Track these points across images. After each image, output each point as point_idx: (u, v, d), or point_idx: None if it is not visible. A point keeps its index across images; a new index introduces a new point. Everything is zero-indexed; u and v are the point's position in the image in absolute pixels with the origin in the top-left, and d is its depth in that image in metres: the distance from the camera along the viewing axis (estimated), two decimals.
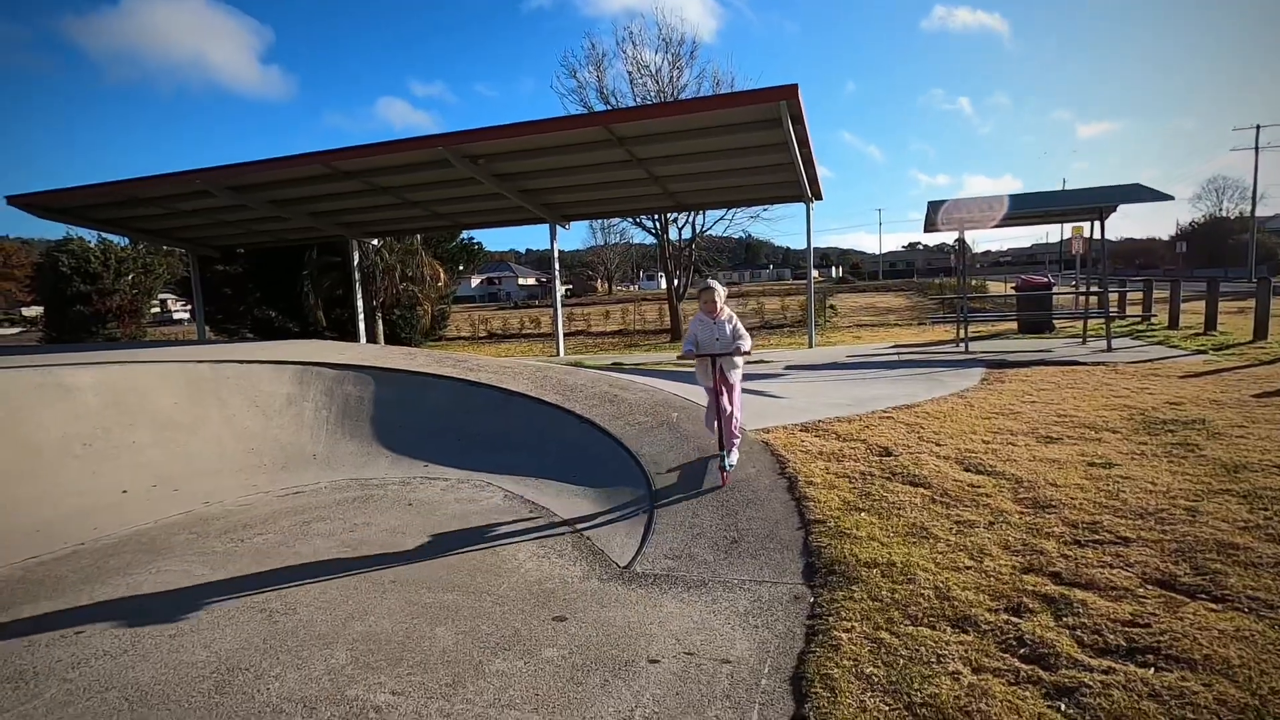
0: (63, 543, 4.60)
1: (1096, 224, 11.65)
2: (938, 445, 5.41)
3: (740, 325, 4.90)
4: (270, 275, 23.60)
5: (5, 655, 3.17)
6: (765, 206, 19.85)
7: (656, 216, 19.78)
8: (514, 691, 2.67)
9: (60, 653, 3.16)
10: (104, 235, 28.39)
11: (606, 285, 67.86)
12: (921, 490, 4.44)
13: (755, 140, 12.33)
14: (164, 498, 5.41)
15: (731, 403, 4.87)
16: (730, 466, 4.84)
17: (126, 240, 28.19)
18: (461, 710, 2.56)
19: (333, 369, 7.29)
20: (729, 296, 5.24)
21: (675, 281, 21.02)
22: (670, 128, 12.01)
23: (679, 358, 5.49)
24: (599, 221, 45.73)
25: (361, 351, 8.60)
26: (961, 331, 11.97)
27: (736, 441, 5.04)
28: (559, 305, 17.08)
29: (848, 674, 2.58)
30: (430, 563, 4.06)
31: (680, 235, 20.90)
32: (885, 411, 6.64)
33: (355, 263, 18.71)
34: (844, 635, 2.85)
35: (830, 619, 3.00)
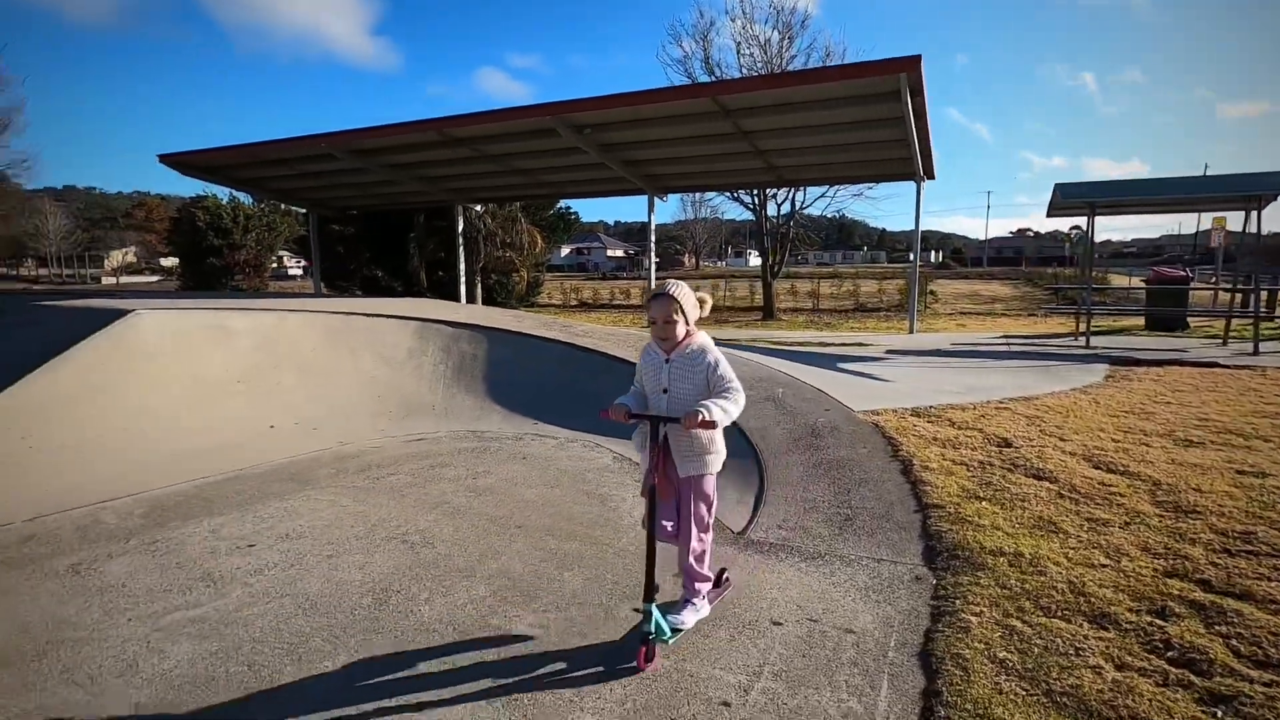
0: (226, 467, 5.14)
1: (1252, 214, 10.57)
2: (1062, 440, 5.16)
3: (726, 369, 2.66)
4: (379, 237, 24.92)
5: (194, 559, 3.62)
6: (870, 184, 19.11)
7: (755, 191, 19.43)
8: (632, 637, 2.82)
9: (239, 561, 3.58)
10: (234, 194, 30.79)
11: (694, 260, 67.51)
12: (1047, 484, 4.28)
13: (868, 114, 11.87)
14: (305, 435, 5.94)
15: (682, 528, 2.76)
16: (665, 635, 2.65)
17: (250, 200, 30.49)
18: (602, 647, 2.74)
19: (450, 327, 7.69)
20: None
21: (770, 259, 20.68)
22: (779, 100, 11.74)
23: (600, 414, 2.79)
24: (689, 195, 45.29)
25: (472, 312, 9.01)
26: (1082, 325, 11.22)
27: (694, 600, 2.85)
28: (653, 275, 17.19)
29: (980, 656, 2.57)
30: (551, 513, 4.28)
31: (779, 211, 20.50)
32: (1001, 402, 6.38)
33: (460, 228, 19.42)
34: (973, 619, 2.83)
35: (957, 602, 2.98)
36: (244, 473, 5.08)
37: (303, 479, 4.96)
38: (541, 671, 2.57)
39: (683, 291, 2.74)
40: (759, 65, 18.91)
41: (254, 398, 6.15)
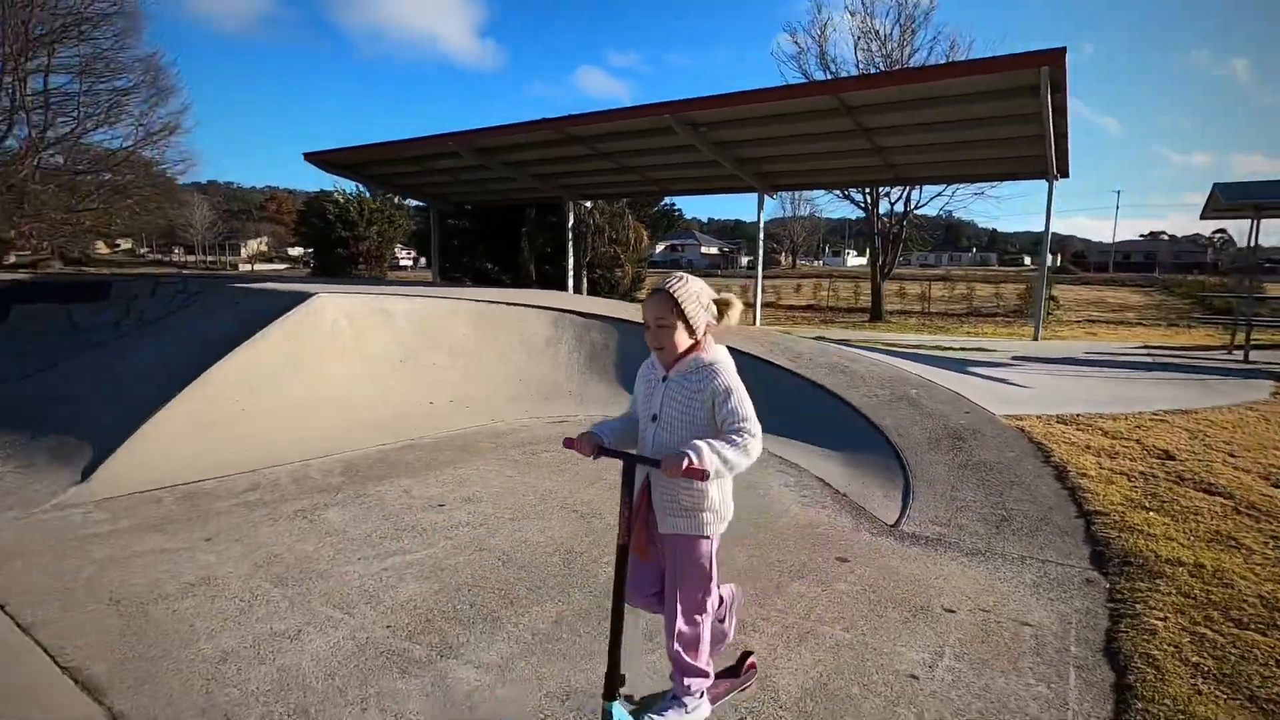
0: (399, 436, 5.71)
1: None
2: (1231, 455, 4.90)
3: (740, 400, 2.03)
4: (491, 231, 26.13)
5: (396, 513, 4.10)
6: (994, 183, 18.25)
7: (867, 189, 18.99)
8: (820, 610, 3.00)
9: (435, 517, 4.03)
10: (358, 190, 33.12)
11: (790, 259, 66.35)
12: (1220, 499, 4.10)
13: (1001, 110, 11.42)
14: (460, 412, 6.47)
15: (666, 603, 2.19)
16: None
17: (370, 194, 32.71)
18: (777, 617, 2.94)
19: (582, 317, 8.10)
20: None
21: (880, 259, 20.15)
22: (905, 96, 11.48)
23: (565, 443, 2.16)
24: (788, 193, 44.52)
25: (598, 304, 9.40)
26: (1239, 337, 10.36)
27: (684, 699, 2.19)
28: (761, 275, 17.20)
29: (1171, 658, 2.58)
30: None
31: (891, 209, 19.92)
32: (1155, 414, 6.07)
33: (570, 223, 20.09)
34: (1158, 623, 2.82)
35: (1137, 606, 2.97)
36: (416, 443, 5.63)
37: (468, 450, 5.44)
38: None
39: (686, 288, 2.04)
40: (878, 60, 18.46)
41: (414, 376, 6.75)
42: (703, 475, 1.85)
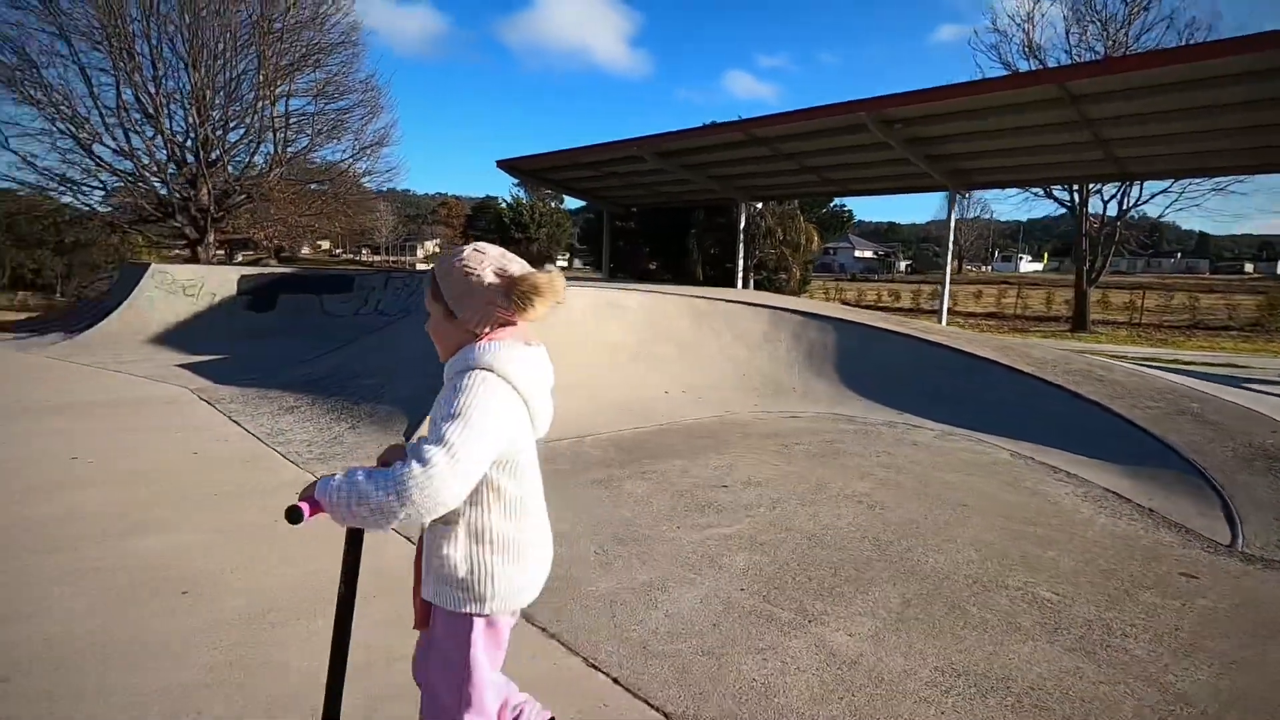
0: (648, 421, 6.07)
1: None
2: None
3: (464, 404, 1.31)
4: (656, 231, 26.87)
5: (686, 489, 4.37)
6: (1241, 178, 15.97)
7: (1075, 187, 17.35)
8: (1184, 623, 2.82)
9: (724, 497, 4.25)
10: (527, 194, 35.38)
11: (956, 264, 62.11)
12: None
13: (1260, 93, 10.02)
14: (692, 402, 6.74)
15: (424, 686, 1.56)
16: None
17: (527, 197, 34.85)
18: (1144, 624, 2.81)
19: (798, 315, 8.13)
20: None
21: (1087, 264, 18.30)
22: (1149, 81, 10.39)
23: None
24: (958, 193, 41.60)
25: (810, 303, 9.37)
26: None
27: None
28: (948, 279, 16.31)
29: None
30: (986, 497, 4.39)
31: (1104, 209, 18.05)
32: None
33: (742, 224, 20.16)
34: None
35: None
36: (666, 428, 5.96)
37: (719, 438, 5.67)
38: (1081, 628, 2.72)
39: (451, 262, 1.49)
40: (1096, 44, 16.80)
41: (647, 365, 7.13)
42: (296, 517, 1.30)
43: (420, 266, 73.85)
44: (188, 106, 22.46)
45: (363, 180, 27.57)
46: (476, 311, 1.44)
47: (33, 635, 2.48)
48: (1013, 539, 3.69)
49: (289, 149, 24.91)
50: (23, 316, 15.54)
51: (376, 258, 76.14)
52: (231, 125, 23.50)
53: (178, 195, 21.92)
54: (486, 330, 1.45)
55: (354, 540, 1.47)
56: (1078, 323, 18.05)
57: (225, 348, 10.08)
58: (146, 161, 22.07)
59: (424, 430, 1.60)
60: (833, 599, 2.97)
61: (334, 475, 1.32)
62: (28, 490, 4.01)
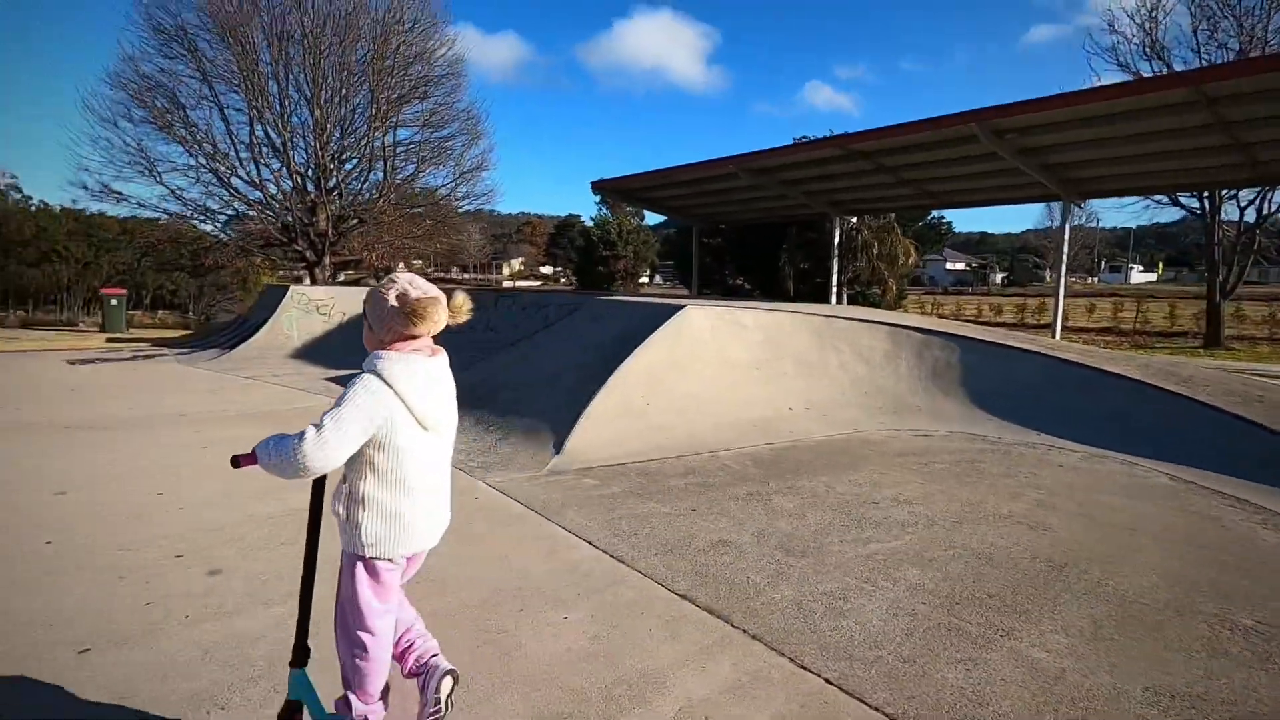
0: (778, 437, 6.18)
1: None
2: None
3: (347, 396, 1.79)
4: (743, 247, 26.92)
5: (837, 505, 4.46)
6: None
7: (1207, 193, 16.21)
8: None
9: (877, 513, 4.32)
10: (611, 212, 36.18)
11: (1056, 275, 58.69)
12: None
13: None
14: (818, 419, 6.80)
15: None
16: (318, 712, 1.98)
17: (610, 215, 35.55)
18: None
19: (919, 332, 8.05)
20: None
21: (1221, 275, 16.99)
22: None
23: None
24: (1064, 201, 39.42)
25: (921, 319, 9.24)
26: None
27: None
28: (1062, 292, 15.64)
29: None
30: (1161, 522, 4.26)
31: (1241, 216, 16.75)
32: None
33: (836, 239, 19.94)
34: None
35: None
36: (797, 444, 6.06)
37: (853, 455, 5.72)
38: None
39: (377, 291, 1.95)
40: (1231, 42, 15.71)
41: (769, 382, 7.24)
42: (236, 463, 1.81)
43: (506, 284, 76.54)
44: (309, 140, 24.42)
45: (462, 203, 28.99)
46: (383, 326, 1.88)
47: None
48: (1195, 565, 3.59)
49: (397, 176, 26.57)
50: (179, 334, 17.26)
51: (465, 275, 79.41)
52: (346, 156, 25.32)
53: (300, 221, 23.79)
54: (390, 341, 1.88)
55: (316, 492, 1.93)
56: (1211, 338, 16.76)
57: (360, 363, 10.90)
58: (274, 191, 24.11)
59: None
60: (1019, 616, 3.00)
61: (269, 439, 1.78)
62: (259, 494, 4.56)
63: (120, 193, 22.40)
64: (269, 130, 23.80)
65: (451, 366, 2.05)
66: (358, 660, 1.92)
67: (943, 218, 24.09)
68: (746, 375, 7.24)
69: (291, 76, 24.00)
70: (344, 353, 12.16)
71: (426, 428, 1.89)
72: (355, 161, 25.65)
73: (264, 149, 23.83)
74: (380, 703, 1.99)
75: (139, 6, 21.95)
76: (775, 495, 4.63)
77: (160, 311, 32.76)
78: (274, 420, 6.94)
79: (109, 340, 15.39)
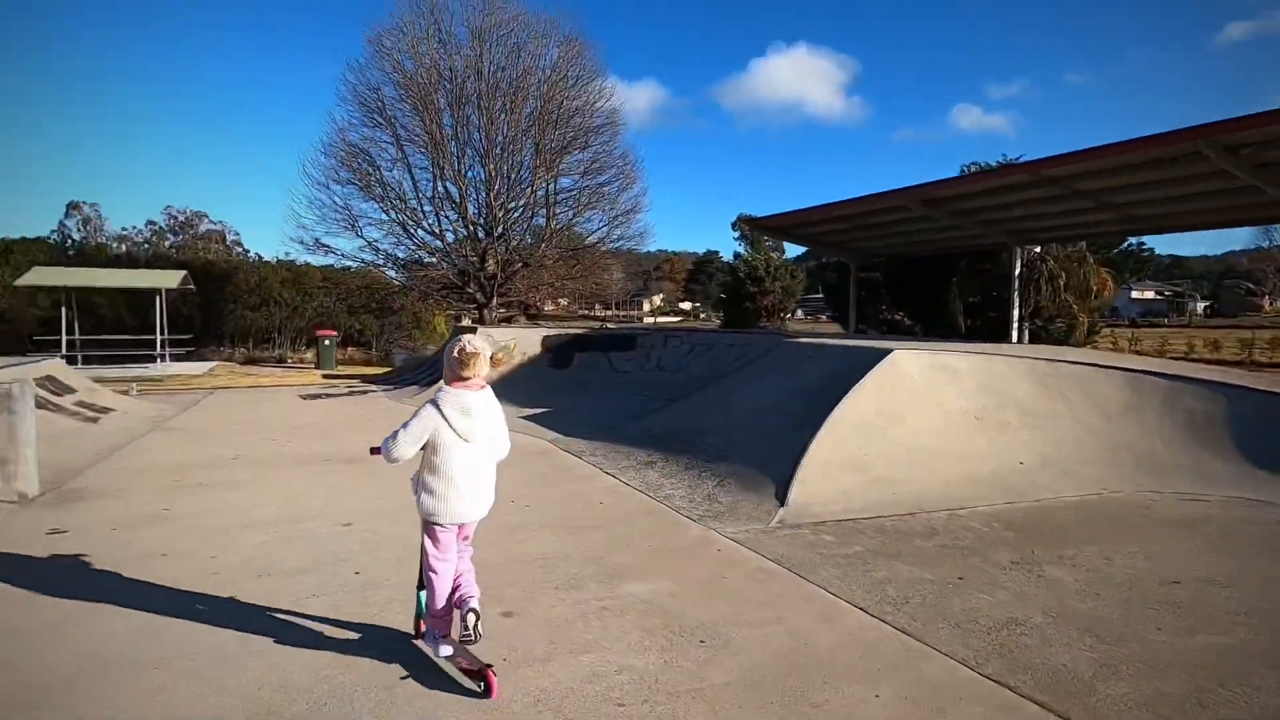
0: (1017, 495, 5.66)
1: None
2: None
3: (409, 419, 2.96)
4: (901, 281, 25.64)
5: (1128, 581, 3.95)
6: None
7: None
8: None
9: (1182, 594, 3.76)
10: (752, 248, 35.97)
11: (1273, 302, 50.47)
12: None
13: None
14: (1055, 476, 6.16)
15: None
16: (420, 611, 3.14)
17: (746, 249, 35.20)
18: None
19: (1165, 378, 7.13)
20: None
21: None
22: None
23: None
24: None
25: (1161, 363, 8.21)
26: None
27: (432, 632, 3.10)
28: None
29: None
30: None
31: None
32: None
33: (1017, 270, 18.45)
34: None
35: None
36: (1043, 505, 5.51)
37: (1119, 521, 5.10)
38: None
39: (448, 345, 3.19)
40: None
41: (992, 433, 6.69)
42: (373, 451, 3.03)
43: (647, 320, 78.28)
44: (481, 192, 26.63)
45: (617, 244, 30.19)
46: (448, 368, 2.96)
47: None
48: None
49: (557, 221, 28.21)
50: (380, 370, 19.21)
51: (607, 312, 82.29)
52: (512, 205, 27.29)
53: (472, 267, 25.85)
54: (450, 380, 2.95)
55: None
56: None
57: (548, 400, 11.47)
58: (451, 239, 26.48)
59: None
60: None
61: (387, 438, 2.87)
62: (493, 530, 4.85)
63: (329, 246, 25.63)
64: (448, 185, 26.25)
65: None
66: (429, 588, 2.96)
67: (1142, 243, 21.55)
68: (966, 425, 6.75)
69: (468, 135, 26.40)
70: (527, 389, 12.88)
71: (465, 440, 2.88)
72: (521, 210, 27.59)
73: (443, 202, 26.31)
74: (444, 620, 2.99)
75: (348, 85, 25.21)
76: (1047, 566, 4.19)
77: (350, 349, 36.85)
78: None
79: (325, 376, 17.42)
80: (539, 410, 10.51)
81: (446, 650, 2.93)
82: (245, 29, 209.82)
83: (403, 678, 2.86)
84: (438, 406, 2.86)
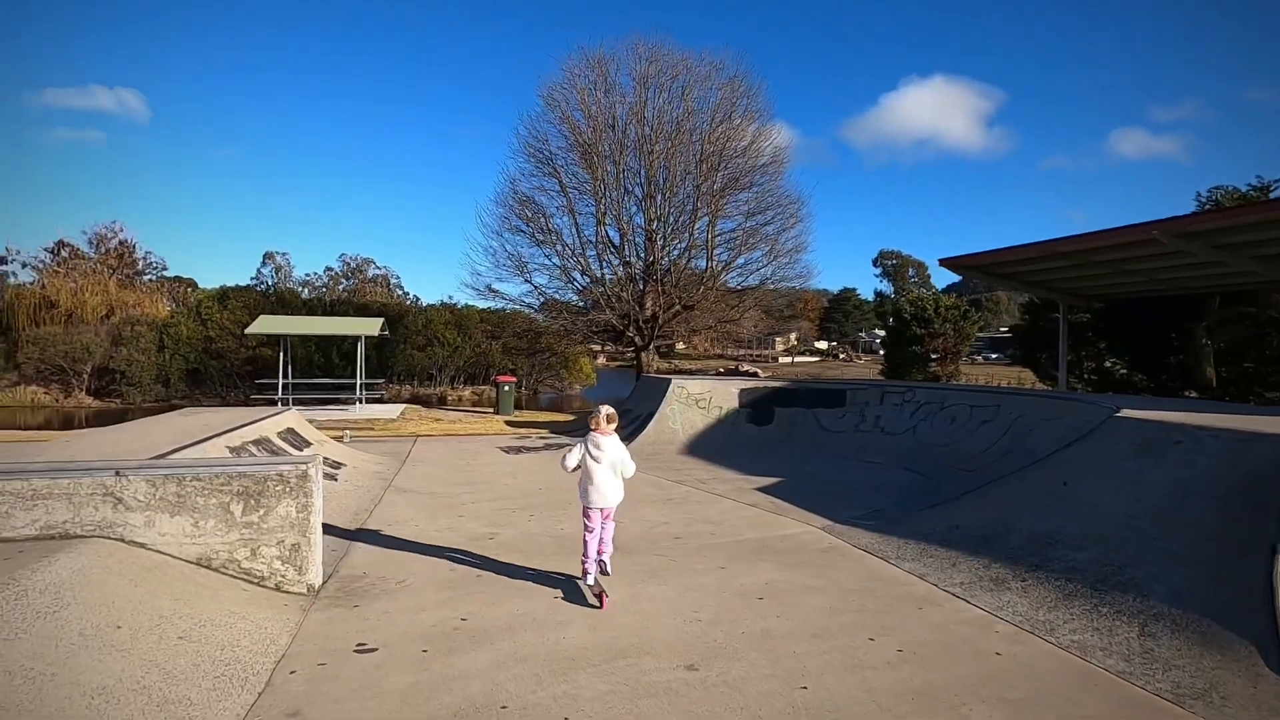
0: None
1: None
2: None
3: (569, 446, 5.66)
4: (1120, 325, 22.33)
5: None
6: None
7: None
8: None
9: None
10: (894, 286, 33.12)
11: None
12: None
13: None
14: None
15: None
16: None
17: (887, 289, 32.26)
18: None
19: None
20: None
21: None
22: None
23: None
24: None
25: None
26: None
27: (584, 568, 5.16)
28: None
29: None
30: None
31: None
32: None
33: None
34: None
35: None
36: None
37: None
38: None
39: (595, 410, 5.35)
40: None
41: None
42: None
43: (783, 359, 75.79)
44: (641, 235, 26.42)
45: (780, 285, 28.92)
46: (591, 421, 5.20)
47: None
48: None
49: (718, 262, 27.40)
50: (560, 419, 18.97)
51: (740, 351, 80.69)
52: (671, 247, 26.82)
53: (633, 310, 25.51)
54: (594, 427, 5.14)
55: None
56: None
57: (767, 464, 10.28)
58: (612, 281, 26.36)
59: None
60: None
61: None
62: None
63: (498, 291, 26.34)
64: (609, 230, 26.29)
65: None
66: (584, 545, 5.05)
67: None
68: None
69: (629, 180, 26.41)
70: (731, 448, 11.77)
71: (597, 461, 4.99)
72: (681, 251, 27.09)
73: (605, 246, 26.34)
74: (592, 565, 5.04)
75: (520, 138, 26.10)
76: None
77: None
78: (769, 550, 6.23)
79: (508, 423, 17.32)
80: (772, 480, 9.33)
81: (590, 580, 5.02)
82: (396, 102, 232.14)
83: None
84: (584, 444, 5.08)
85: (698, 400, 13.43)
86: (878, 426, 12.30)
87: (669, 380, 13.90)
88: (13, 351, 31.77)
